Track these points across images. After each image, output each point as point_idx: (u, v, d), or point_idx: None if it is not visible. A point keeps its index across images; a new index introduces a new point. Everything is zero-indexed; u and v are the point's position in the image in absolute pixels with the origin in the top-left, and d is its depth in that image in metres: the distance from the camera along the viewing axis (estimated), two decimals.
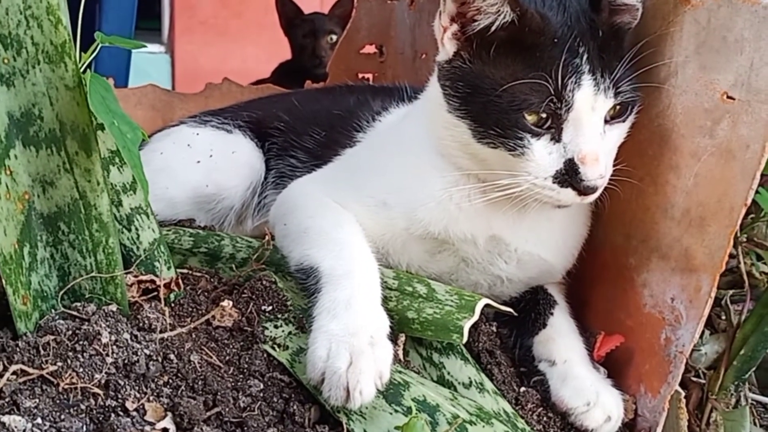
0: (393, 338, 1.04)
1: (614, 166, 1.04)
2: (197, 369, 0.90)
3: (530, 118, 0.96)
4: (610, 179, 1.03)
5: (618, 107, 0.99)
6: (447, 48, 1.00)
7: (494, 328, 1.12)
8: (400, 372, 0.96)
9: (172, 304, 1.01)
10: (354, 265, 0.99)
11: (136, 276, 0.94)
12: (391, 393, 0.91)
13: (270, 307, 1.02)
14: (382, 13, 1.81)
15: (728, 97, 0.95)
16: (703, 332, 1.23)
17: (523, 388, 1.04)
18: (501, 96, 0.95)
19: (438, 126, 1.05)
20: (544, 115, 0.95)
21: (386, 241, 1.12)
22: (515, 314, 1.07)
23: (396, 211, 1.09)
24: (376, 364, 0.87)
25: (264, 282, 1.05)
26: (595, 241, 1.18)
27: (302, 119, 1.38)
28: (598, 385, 1.01)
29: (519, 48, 0.96)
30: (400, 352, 1.04)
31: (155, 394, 0.84)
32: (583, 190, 0.96)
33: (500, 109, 0.96)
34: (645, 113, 1.07)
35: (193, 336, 0.96)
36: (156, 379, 0.86)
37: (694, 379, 1.17)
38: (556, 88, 0.94)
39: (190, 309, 1.01)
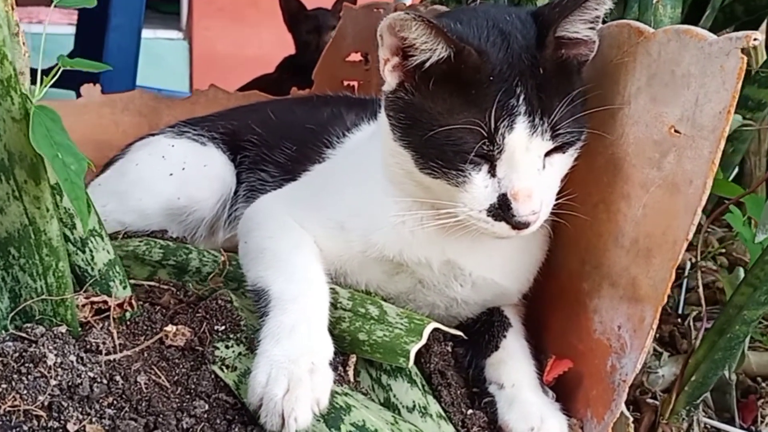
0: (344, 359, 1.07)
1: (569, 191, 1.05)
2: (143, 390, 0.92)
3: (469, 152, 0.95)
4: (564, 204, 1.04)
5: (564, 143, 0.98)
6: (389, 80, 1.00)
7: (449, 348, 1.14)
8: (345, 395, 0.98)
9: (128, 323, 1.04)
10: (303, 290, 1.01)
11: (87, 297, 0.96)
12: (331, 417, 0.93)
13: (223, 327, 1.05)
14: (368, 21, 1.82)
15: (675, 130, 0.95)
16: (661, 354, 1.25)
17: (470, 411, 1.05)
18: (439, 132, 0.95)
19: (386, 153, 1.06)
20: (483, 151, 0.95)
21: (344, 261, 1.14)
22: (465, 337, 1.08)
23: (353, 234, 1.11)
24: (313, 391, 0.89)
25: (219, 301, 1.07)
26: (553, 264, 1.19)
27: (275, 132, 1.40)
28: (544, 410, 1.02)
29: (456, 84, 0.95)
30: (351, 373, 1.06)
31: (98, 416, 0.87)
32: (515, 225, 0.96)
33: (439, 143, 0.96)
34: (601, 140, 1.08)
35: (145, 355, 0.99)
36: (100, 401, 0.89)
37: (650, 401, 1.19)
38: (489, 131, 0.93)
39: (145, 327, 1.04)
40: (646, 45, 1.00)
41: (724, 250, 1.50)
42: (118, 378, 0.92)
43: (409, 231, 1.08)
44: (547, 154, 0.98)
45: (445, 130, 0.94)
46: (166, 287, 1.19)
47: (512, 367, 1.08)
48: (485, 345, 1.13)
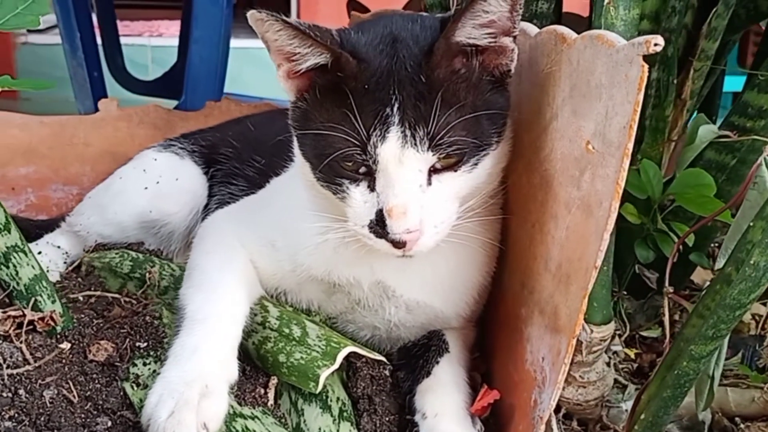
0: (266, 381, 1.05)
1: (512, 209, 0.98)
2: (46, 405, 0.94)
3: (348, 164, 0.92)
4: (508, 223, 0.97)
5: (450, 158, 0.91)
6: (285, 87, 0.97)
7: (387, 372, 1.10)
8: (251, 418, 0.97)
9: (58, 336, 1.07)
10: (216, 311, 0.99)
11: (5, 311, 1.00)
12: None
13: (145, 344, 1.06)
14: None
15: (590, 146, 0.87)
16: (626, 386, 1.15)
17: None
18: (321, 141, 0.92)
19: (298, 164, 1.03)
20: (362, 164, 0.91)
21: (278, 280, 1.12)
22: (386, 362, 1.04)
23: (282, 253, 1.09)
24: (199, 415, 0.87)
25: (146, 318, 1.09)
26: (501, 287, 1.12)
27: (249, 145, 1.40)
28: None
29: (337, 92, 0.90)
30: (271, 395, 1.04)
31: None
32: (394, 243, 0.90)
33: (323, 154, 0.92)
34: (536, 156, 1.00)
35: (66, 369, 1.01)
36: (2, 413, 0.92)
37: None
38: (362, 141, 0.89)
39: (72, 340, 1.06)
40: (569, 53, 0.91)
41: None
42: (21, 391, 0.94)
43: (332, 249, 1.04)
44: (437, 171, 0.92)
45: (325, 139, 0.91)
46: (125, 299, 1.23)
47: (439, 395, 1.03)
48: (419, 371, 1.08)
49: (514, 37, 0.94)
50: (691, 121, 1.32)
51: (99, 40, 2.66)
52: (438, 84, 0.89)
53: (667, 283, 1.10)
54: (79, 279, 1.33)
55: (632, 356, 1.24)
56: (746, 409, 1.12)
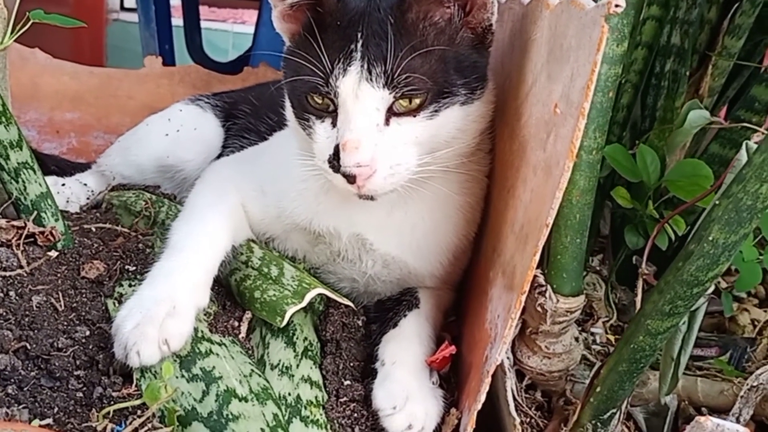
0: (240, 315, 1.10)
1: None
2: (33, 308, 1.02)
3: (317, 101, 0.96)
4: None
5: (413, 101, 0.94)
6: (278, 28, 1.02)
7: (359, 322, 1.14)
8: (217, 344, 1.02)
9: (60, 251, 1.14)
10: (195, 243, 1.05)
11: (9, 221, 1.08)
12: (187, 359, 0.97)
13: (134, 268, 1.13)
14: None
15: (558, 109, 0.88)
16: (593, 364, 1.15)
17: (348, 382, 1.04)
18: (296, 77, 0.97)
19: (286, 109, 1.08)
20: (327, 100, 0.95)
21: (266, 226, 1.17)
22: (354, 307, 1.08)
23: (269, 198, 1.14)
24: (162, 331, 0.93)
25: (140, 245, 1.15)
26: (479, 251, 1.14)
27: (265, 104, 1.45)
28: (414, 391, 0.99)
29: (319, 28, 0.95)
30: (243, 328, 1.09)
31: None
32: (346, 178, 0.94)
33: (297, 90, 0.98)
34: (518, 123, 1.02)
35: (58, 281, 1.09)
36: None
37: (567, 410, 1.10)
38: (326, 73, 0.93)
39: (71, 258, 1.14)
40: (549, 18, 0.93)
41: None
42: (12, 293, 1.02)
43: (313, 196, 1.09)
44: (397, 115, 0.95)
45: (299, 74, 0.96)
46: (129, 233, 1.30)
47: (399, 345, 1.05)
48: (387, 322, 1.11)
49: None
50: None
51: (180, 21, 2.78)
52: (405, 27, 0.94)
53: (644, 266, 1.09)
54: (98, 214, 1.42)
55: (612, 341, 1.24)
56: (714, 400, 1.10)
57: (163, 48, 2.67)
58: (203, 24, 2.81)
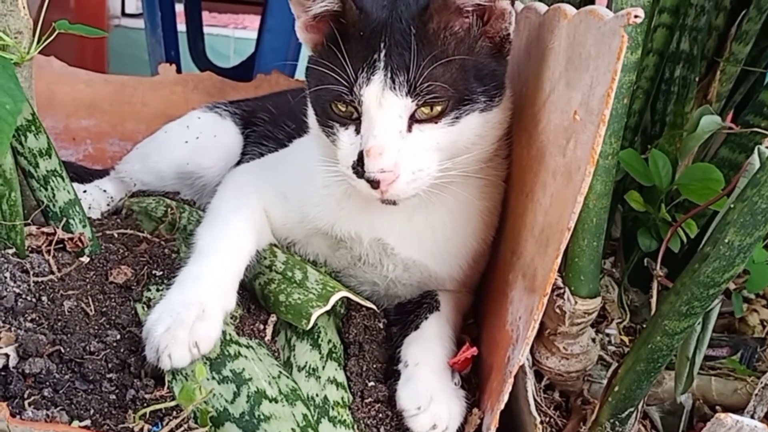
0: (265, 318, 1.13)
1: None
2: (64, 313, 1.05)
3: (341, 108, 1.00)
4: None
5: (435, 109, 0.98)
6: (302, 39, 1.05)
7: (381, 324, 1.16)
8: (246, 346, 1.04)
9: (89, 257, 1.17)
10: (221, 247, 1.08)
11: (39, 227, 1.11)
12: (217, 362, 1.00)
13: (161, 273, 1.15)
14: None
15: (578, 116, 0.91)
16: (610, 365, 1.18)
17: (372, 384, 1.07)
18: (321, 86, 1.00)
19: (309, 118, 1.11)
20: (351, 108, 0.99)
21: (288, 231, 1.20)
22: (376, 309, 1.11)
23: (292, 203, 1.17)
24: (192, 334, 0.95)
25: (166, 250, 1.18)
26: (497, 255, 1.17)
27: (284, 112, 1.48)
28: (438, 392, 1.01)
29: (342, 39, 0.98)
30: (269, 331, 1.12)
31: (16, 326, 1.00)
32: (370, 183, 0.97)
33: (321, 98, 1.01)
34: (535, 129, 1.05)
35: (87, 286, 1.11)
36: (25, 315, 1.02)
37: (586, 409, 1.13)
38: (350, 82, 0.96)
39: (98, 264, 1.17)
40: (567, 27, 0.96)
41: None
42: (44, 298, 1.05)
43: (336, 202, 1.12)
44: (419, 122, 0.98)
45: (323, 83, 0.99)
46: (152, 239, 1.33)
47: (421, 347, 1.08)
48: (408, 324, 1.13)
49: (512, 0, 1.00)
50: None
51: (183, 27, 2.80)
52: (427, 37, 0.97)
53: (658, 267, 1.12)
54: (119, 220, 1.44)
55: (627, 342, 1.26)
56: (728, 399, 1.13)
57: (169, 54, 2.70)
58: (204, 30, 2.85)
